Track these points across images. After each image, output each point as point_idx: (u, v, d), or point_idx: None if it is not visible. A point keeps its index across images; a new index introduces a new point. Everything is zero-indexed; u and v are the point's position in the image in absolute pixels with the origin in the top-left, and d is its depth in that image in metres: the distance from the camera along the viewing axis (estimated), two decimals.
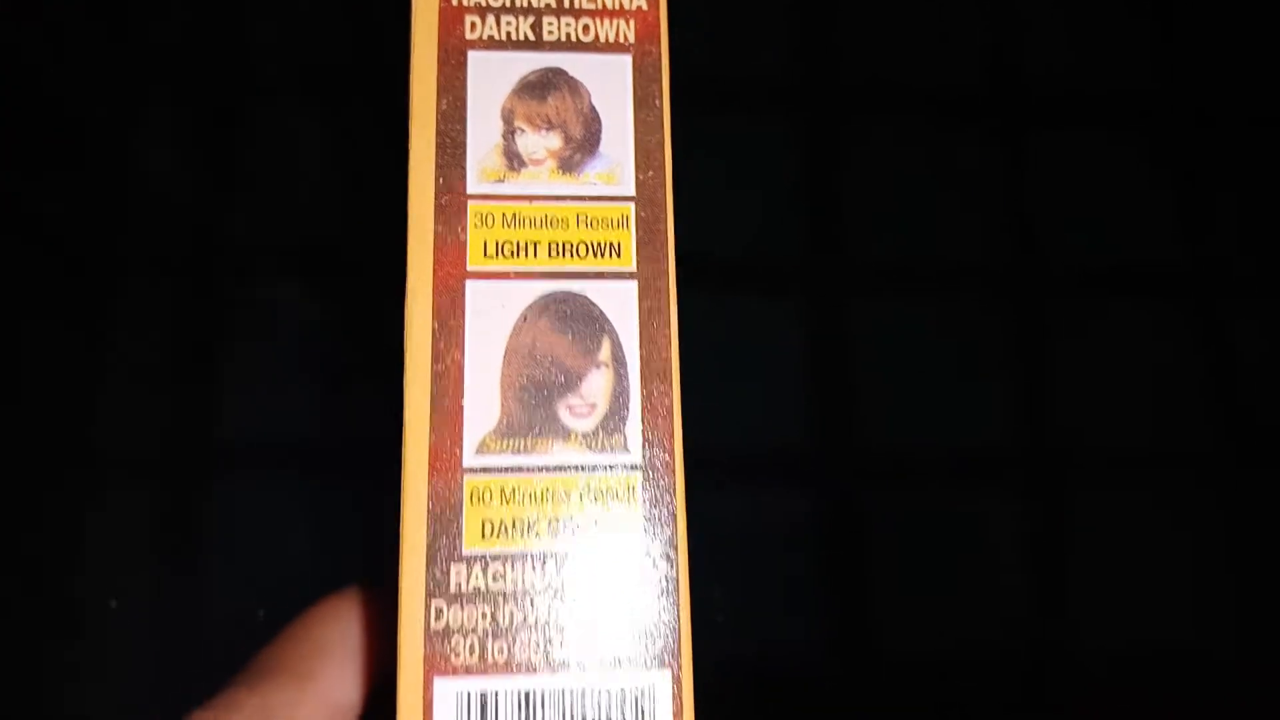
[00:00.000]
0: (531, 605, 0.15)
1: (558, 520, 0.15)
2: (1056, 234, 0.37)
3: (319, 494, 0.33)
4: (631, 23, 0.17)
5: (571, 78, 0.17)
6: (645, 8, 0.17)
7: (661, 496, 0.16)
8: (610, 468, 0.16)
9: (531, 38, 0.16)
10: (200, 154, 0.37)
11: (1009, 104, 0.38)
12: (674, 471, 0.16)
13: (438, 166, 0.16)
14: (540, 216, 0.16)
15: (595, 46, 0.17)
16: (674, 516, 0.16)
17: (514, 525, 0.15)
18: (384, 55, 0.38)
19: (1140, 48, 0.39)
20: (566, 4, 0.17)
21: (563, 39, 0.16)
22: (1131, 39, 0.39)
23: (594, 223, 0.16)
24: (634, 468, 0.16)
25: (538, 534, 0.15)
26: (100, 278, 0.34)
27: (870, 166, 0.38)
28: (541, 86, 0.17)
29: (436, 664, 0.15)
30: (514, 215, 0.16)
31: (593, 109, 0.17)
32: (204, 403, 0.33)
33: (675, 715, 0.15)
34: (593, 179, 0.17)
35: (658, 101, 0.17)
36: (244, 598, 0.30)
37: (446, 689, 0.15)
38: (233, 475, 0.32)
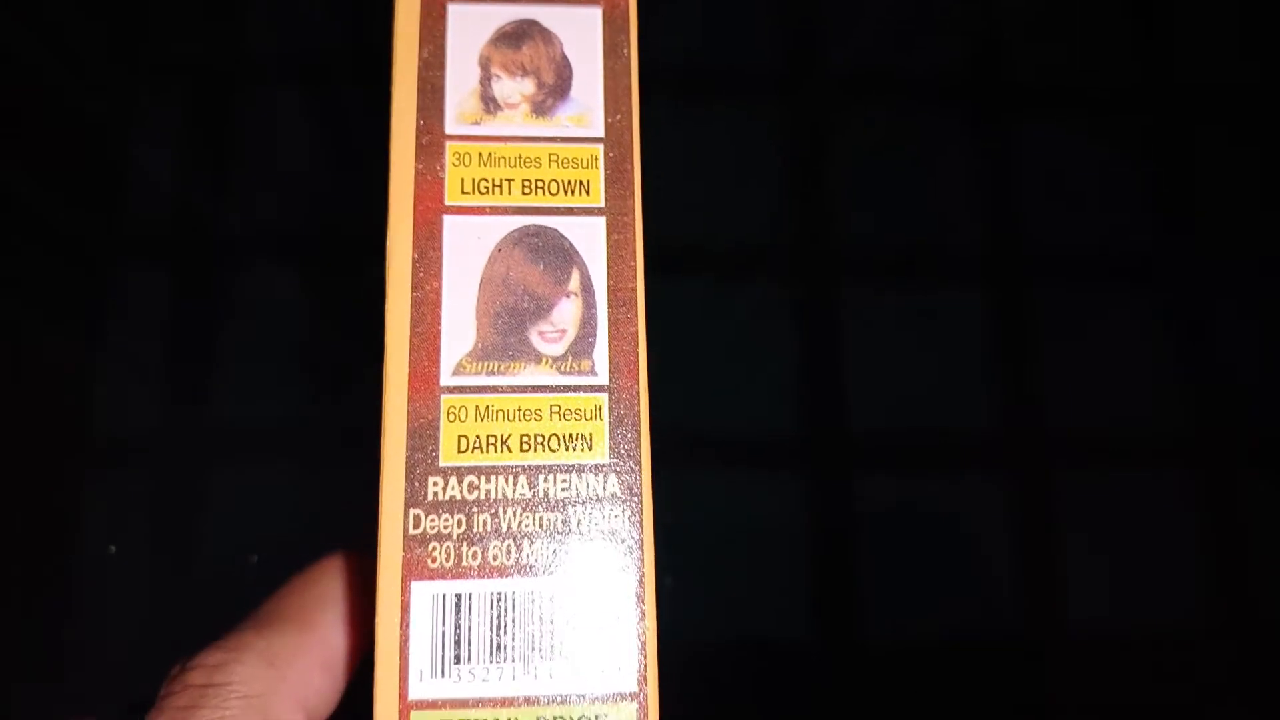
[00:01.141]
0: (503, 514, 0.16)
1: (529, 437, 0.17)
2: (1042, 222, 0.38)
3: (310, 479, 0.34)
4: None
5: (545, 28, 0.18)
6: None
7: (627, 415, 0.17)
8: (579, 389, 0.17)
9: None
10: (195, 142, 0.38)
11: (994, 92, 0.39)
12: (638, 393, 0.17)
13: (419, 110, 0.18)
14: (514, 156, 0.17)
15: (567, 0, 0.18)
16: (638, 433, 0.17)
17: (488, 441, 0.16)
18: (375, 44, 0.39)
19: (1122, 37, 0.40)
20: None
21: None
22: (1114, 27, 0.40)
23: (565, 162, 0.18)
24: (601, 389, 0.17)
25: (510, 449, 0.16)
26: (95, 266, 0.35)
27: (858, 155, 0.39)
28: (516, 36, 0.18)
29: (413, 568, 0.16)
30: (490, 155, 0.17)
31: (564, 57, 0.18)
32: (199, 388, 0.34)
33: (639, 616, 0.16)
34: (564, 121, 0.18)
35: (626, 51, 0.18)
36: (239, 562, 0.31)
37: (423, 591, 0.16)
38: (226, 460, 0.33)
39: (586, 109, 0.18)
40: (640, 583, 0.16)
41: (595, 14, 0.18)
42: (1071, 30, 0.41)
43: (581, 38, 0.18)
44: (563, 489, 0.16)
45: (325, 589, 0.20)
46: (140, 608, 0.31)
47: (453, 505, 0.16)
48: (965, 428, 0.36)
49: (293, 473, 0.34)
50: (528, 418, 0.17)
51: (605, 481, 0.16)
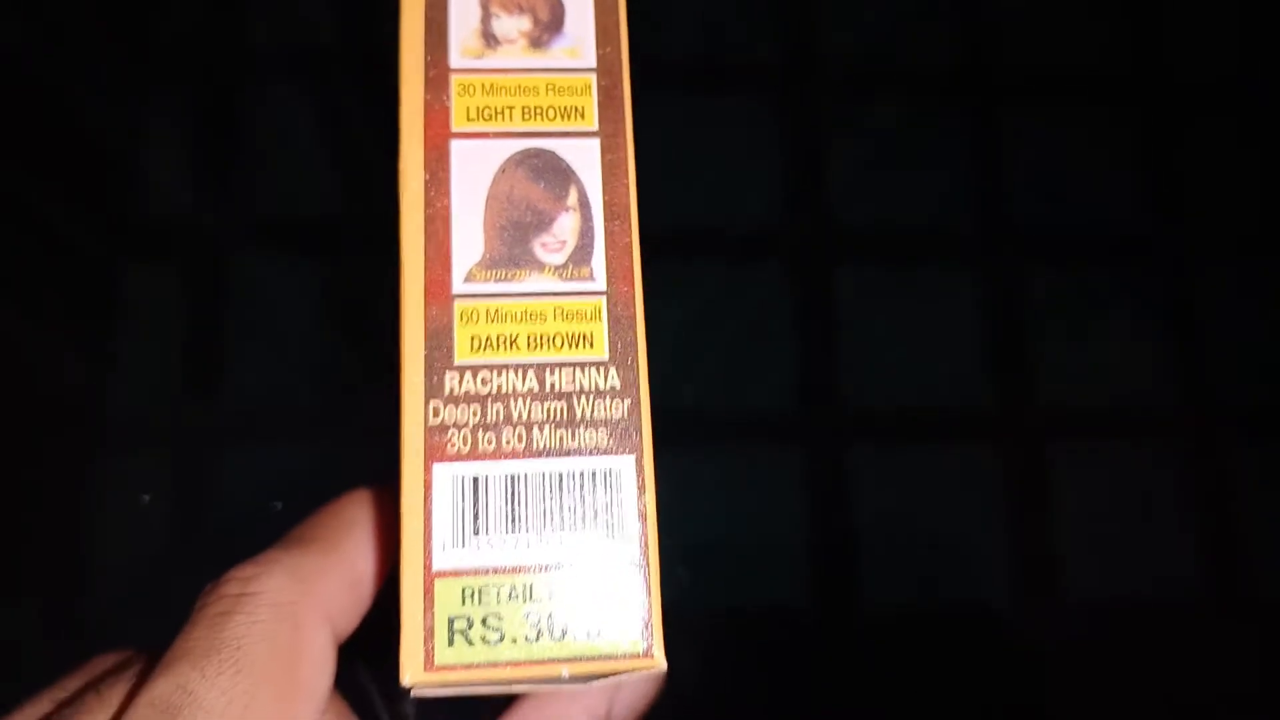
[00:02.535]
0: (514, 405, 0.18)
1: (535, 336, 0.18)
2: (1032, 205, 0.39)
3: (323, 458, 0.35)
4: None
5: None
6: None
7: (624, 316, 0.19)
8: (579, 294, 0.19)
9: None
10: (201, 133, 0.39)
11: (989, 82, 0.41)
12: (634, 297, 0.19)
13: (426, 47, 0.19)
14: (514, 86, 0.19)
15: None
16: (634, 333, 0.18)
17: (498, 340, 0.18)
18: (375, 36, 0.41)
19: (1116, 24, 0.42)
20: None
21: None
22: (1107, 16, 0.42)
23: (561, 90, 0.19)
24: (599, 294, 0.19)
25: (518, 347, 0.18)
26: (102, 259, 0.36)
27: (851, 142, 0.40)
28: None
29: (434, 453, 0.18)
30: (491, 85, 0.19)
31: None
32: (210, 373, 0.36)
33: (639, 490, 0.18)
34: (559, 54, 0.19)
35: None
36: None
37: (443, 472, 0.18)
38: (239, 441, 0.35)
39: (579, 42, 0.19)
40: (639, 462, 0.18)
41: None
42: (1064, 21, 0.42)
43: None
44: (567, 382, 0.18)
45: (350, 516, 0.22)
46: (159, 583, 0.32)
47: (468, 397, 0.18)
48: (959, 404, 0.38)
49: (310, 458, 0.35)
50: (533, 319, 0.18)
51: (606, 375, 0.18)
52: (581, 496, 0.17)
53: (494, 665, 0.17)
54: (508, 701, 0.23)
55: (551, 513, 0.17)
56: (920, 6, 0.42)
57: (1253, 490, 0.38)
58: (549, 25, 0.19)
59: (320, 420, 0.36)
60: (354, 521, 0.22)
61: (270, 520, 0.31)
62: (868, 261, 0.39)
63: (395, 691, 0.30)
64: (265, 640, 0.18)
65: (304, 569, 0.20)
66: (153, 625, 0.20)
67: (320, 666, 0.19)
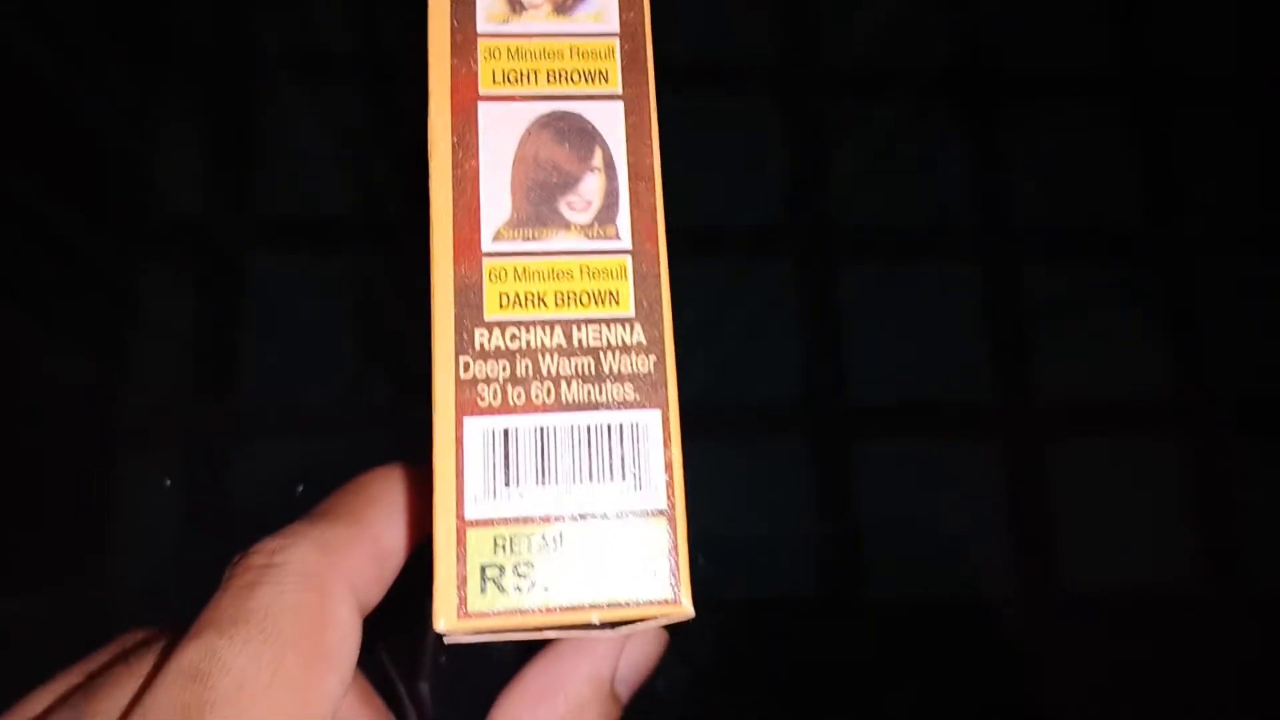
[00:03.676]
0: (542, 360, 0.18)
1: (562, 293, 0.19)
2: (1032, 203, 0.40)
3: (341, 452, 0.36)
4: None
5: None
6: None
7: (649, 274, 0.19)
8: (605, 252, 0.19)
9: None
10: (212, 134, 0.39)
11: (985, 80, 0.41)
12: (658, 255, 0.19)
13: (452, 13, 0.20)
14: (539, 50, 0.20)
15: None
16: (660, 291, 0.19)
17: (526, 297, 0.19)
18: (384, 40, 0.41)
19: (1108, 22, 0.42)
20: None
21: None
22: (1099, 13, 0.42)
23: (585, 54, 0.20)
24: (624, 252, 0.19)
25: (546, 304, 0.19)
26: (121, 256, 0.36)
27: (853, 142, 0.41)
28: None
29: (466, 407, 0.18)
30: (517, 49, 0.20)
31: None
32: (222, 372, 0.36)
33: (664, 443, 0.18)
34: (583, 19, 0.20)
35: None
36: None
37: (474, 426, 0.18)
38: (254, 439, 0.35)
39: (603, 7, 0.20)
40: (665, 415, 0.18)
41: None
42: (1056, 19, 0.43)
43: None
44: (594, 338, 0.18)
45: (375, 491, 0.22)
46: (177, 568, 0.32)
47: (498, 353, 0.18)
48: (961, 398, 0.38)
49: (326, 453, 0.36)
50: (560, 277, 0.19)
51: (632, 331, 0.19)
52: (609, 449, 0.18)
53: (525, 612, 0.17)
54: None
55: (580, 465, 0.18)
56: (918, 7, 0.43)
57: (1250, 484, 0.38)
58: None
59: (336, 418, 0.36)
60: (378, 496, 0.22)
61: (293, 504, 0.31)
62: (871, 259, 0.40)
63: (414, 672, 0.30)
64: (292, 609, 0.19)
65: (329, 541, 0.20)
66: (173, 609, 0.20)
67: (346, 635, 0.20)
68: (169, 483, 0.33)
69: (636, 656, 0.24)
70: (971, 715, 0.34)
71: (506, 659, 0.30)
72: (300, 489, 0.31)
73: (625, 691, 0.24)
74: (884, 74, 0.41)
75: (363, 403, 0.36)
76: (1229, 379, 0.39)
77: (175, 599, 0.21)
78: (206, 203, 0.37)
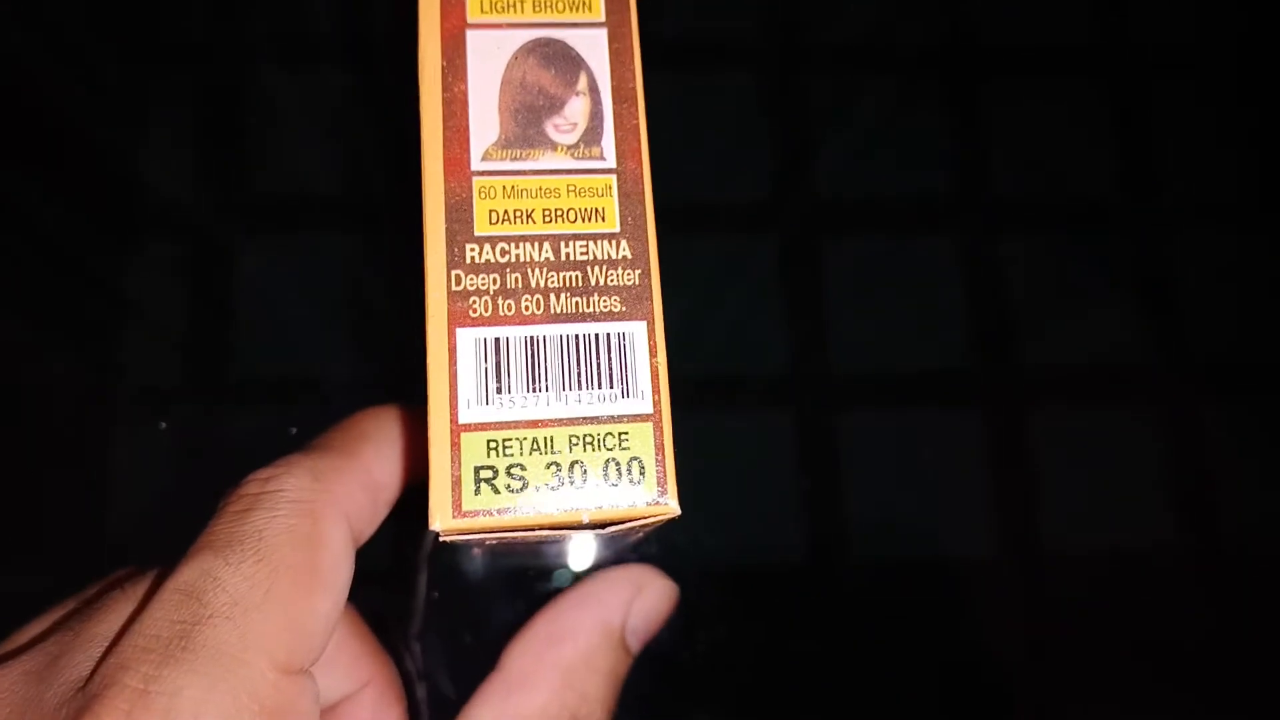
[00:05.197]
0: (531, 274, 0.19)
1: (550, 211, 0.19)
2: (1012, 177, 0.40)
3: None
4: None
5: None
6: None
7: (633, 191, 0.19)
8: (590, 171, 0.19)
9: None
10: (206, 123, 0.40)
11: (964, 58, 0.42)
12: (642, 174, 0.20)
13: None
14: None
15: None
16: (644, 208, 0.19)
17: (515, 214, 0.19)
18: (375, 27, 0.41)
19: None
20: None
21: None
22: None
23: None
24: (610, 171, 0.20)
25: (534, 221, 0.19)
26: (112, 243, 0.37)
27: (835, 118, 0.42)
28: None
29: (457, 318, 0.18)
30: None
31: None
32: (220, 342, 0.36)
33: (651, 353, 0.19)
34: None
35: None
36: None
37: (466, 336, 0.18)
38: (243, 412, 0.35)
39: None
40: (651, 326, 0.19)
41: None
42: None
43: None
44: (581, 253, 0.19)
45: (368, 427, 0.23)
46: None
47: (488, 267, 0.19)
48: (944, 369, 0.39)
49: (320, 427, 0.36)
50: (548, 195, 0.19)
51: (618, 246, 0.19)
52: (597, 358, 0.18)
53: (517, 511, 0.17)
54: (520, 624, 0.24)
55: (569, 373, 0.18)
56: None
57: (1225, 448, 0.39)
58: None
59: (328, 391, 0.36)
60: (372, 432, 0.22)
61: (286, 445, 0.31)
62: (856, 234, 0.40)
63: (410, 626, 0.30)
64: (285, 531, 0.19)
65: (322, 469, 0.21)
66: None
67: (339, 560, 0.20)
68: (164, 425, 0.33)
69: (647, 608, 0.25)
70: (953, 675, 0.35)
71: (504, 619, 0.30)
72: (294, 430, 0.32)
73: (635, 643, 0.25)
74: (869, 51, 0.42)
75: (354, 379, 0.36)
76: (1203, 346, 0.40)
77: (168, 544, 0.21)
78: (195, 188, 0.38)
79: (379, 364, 0.36)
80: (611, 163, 0.19)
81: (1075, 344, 0.39)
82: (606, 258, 0.19)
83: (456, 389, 0.18)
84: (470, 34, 0.20)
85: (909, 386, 0.39)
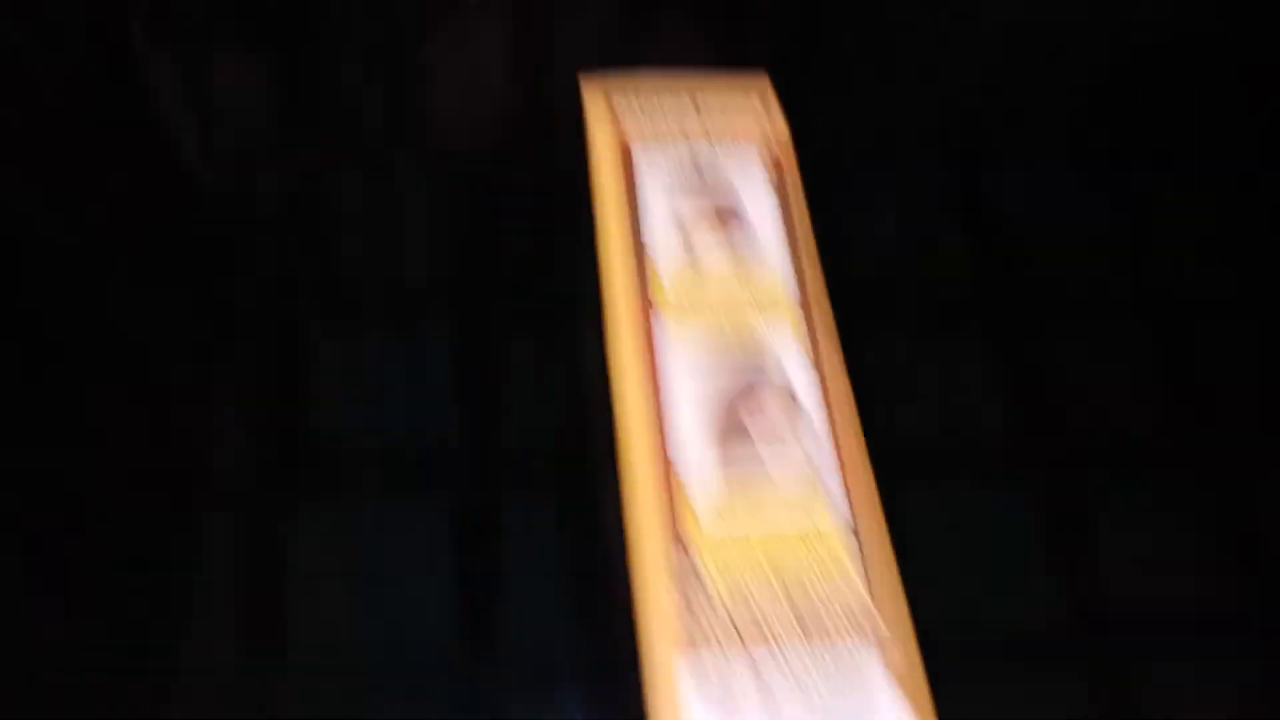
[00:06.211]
0: (757, 605, 0.20)
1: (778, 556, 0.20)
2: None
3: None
4: None
5: None
6: None
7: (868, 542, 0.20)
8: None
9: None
10: None
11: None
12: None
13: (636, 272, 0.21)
14: None
15: None
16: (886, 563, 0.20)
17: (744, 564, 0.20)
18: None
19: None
20: None
21: None
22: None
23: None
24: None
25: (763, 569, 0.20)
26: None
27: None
28: None
29: (680, 646, 0.19)
30: None
31: None
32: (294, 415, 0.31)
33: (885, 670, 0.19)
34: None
35: None
36: None
37: (690, 660, 0.19)
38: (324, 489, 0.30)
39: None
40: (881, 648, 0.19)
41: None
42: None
43: None
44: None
45: None
46: None
47: (716, 604, 0.20)
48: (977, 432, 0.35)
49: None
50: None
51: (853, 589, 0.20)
52: (830, 675, 0.19)
53: None
54: None
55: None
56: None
57: (1105, 523, 0.34)
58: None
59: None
60: None
61: None
62: None
63: None
64: None
65: None
66: None
67: None
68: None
69: None
70: None
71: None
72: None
73: None
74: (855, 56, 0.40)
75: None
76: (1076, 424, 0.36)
77: None
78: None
79: None
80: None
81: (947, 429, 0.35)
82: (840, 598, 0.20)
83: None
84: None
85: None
